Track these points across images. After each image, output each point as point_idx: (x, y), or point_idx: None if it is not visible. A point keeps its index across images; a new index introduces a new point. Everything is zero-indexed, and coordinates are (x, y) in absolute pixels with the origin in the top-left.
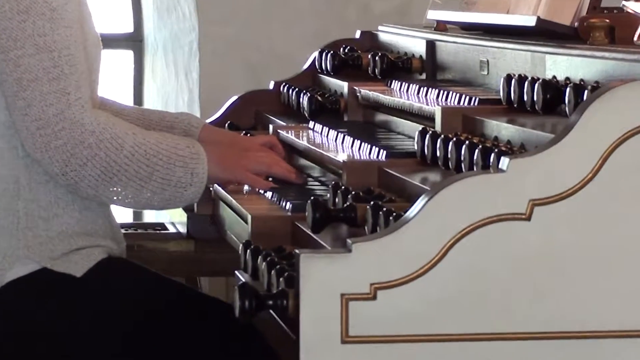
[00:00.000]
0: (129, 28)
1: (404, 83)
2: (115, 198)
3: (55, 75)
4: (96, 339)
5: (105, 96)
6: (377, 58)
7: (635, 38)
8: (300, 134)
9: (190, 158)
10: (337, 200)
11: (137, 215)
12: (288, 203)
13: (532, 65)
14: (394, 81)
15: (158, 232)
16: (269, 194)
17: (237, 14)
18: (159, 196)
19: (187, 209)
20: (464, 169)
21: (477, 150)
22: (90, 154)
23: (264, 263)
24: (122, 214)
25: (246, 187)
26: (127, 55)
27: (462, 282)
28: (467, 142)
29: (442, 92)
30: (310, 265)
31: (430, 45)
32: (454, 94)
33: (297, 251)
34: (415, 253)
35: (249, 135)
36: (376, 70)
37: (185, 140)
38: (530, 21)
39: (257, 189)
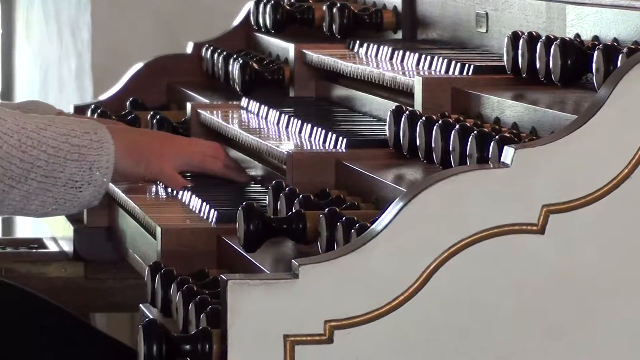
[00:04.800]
0: None
1: (371, 45)
2: None
3: None
4: None
5: None
6: (334, 10)
7: None
8: (230, 116)
9: (90, 147)
10: (279, 206)
11: (6, 227)
12: (212, 210)
13: (547, 20)
14: (358, 42)
15: (34, 251)
16: (186, 198)
17: None
18: (38, 199)
19: (75, 220)
20: (453, 163)
21: (471, 137)
22: None
23: (178, 293)
24: None
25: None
26: None
27: (449, 319)
28: (457, 125)
29: (423, 56)
30: (242, 297)
31: None
32: (441, 59)
33: (223, 277)
34: (385, 279)
35: (157, 117)
36: (334, 27)
37: (83, 124)
38: None
39: (173, 190)
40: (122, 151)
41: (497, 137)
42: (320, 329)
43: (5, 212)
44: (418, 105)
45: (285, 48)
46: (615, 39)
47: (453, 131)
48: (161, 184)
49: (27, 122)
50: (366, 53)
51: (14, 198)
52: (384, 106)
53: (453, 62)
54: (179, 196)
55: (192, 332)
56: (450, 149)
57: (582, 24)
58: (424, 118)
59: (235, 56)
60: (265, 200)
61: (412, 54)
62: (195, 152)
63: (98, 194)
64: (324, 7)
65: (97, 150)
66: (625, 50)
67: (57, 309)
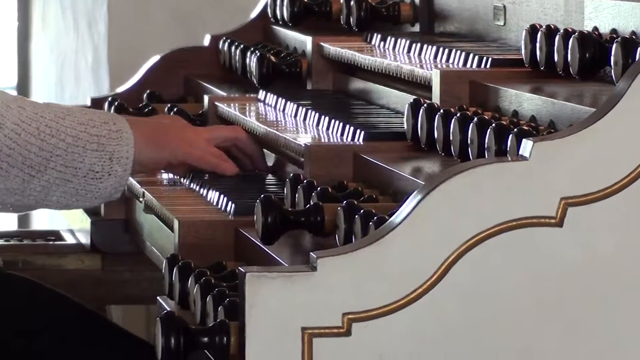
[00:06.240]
0: None
1: (389, 38)
2: None
3: None
4: None
5: None
6: (352, 3)
7: None
8: (247, 108)
9: (109, 138)
10: (297, 198)
11: (23, 220)
12: (230, 203)
13: (565, 13)
14: (375, 35)
15: (51, 243)
16: (203, 190)
17: None
18: (59, 190)
19: (92, 212)
20: (471, 156)
21: (489, 130)
22: None
23: (196, 286)
24: (2, 218)
25: (165, 176)
26: None
27: (467, 312)
28: (475, 118)
29: (441, 49)
30: (260, 289)
31: None
32: (458, 52)
33: (241, 269)
34: (403, 272)
35: (174, 110)
36: (351, 20)
37: (102, 115)
38: None
39: (191, 182)
40: (142, 140)
41: (515, 130)
42: (339, 321)
43: (27, 204)
44: (436, 98)
45: (303, 41)
46: (633, 32)
47: (471, 124)
48: (184, 178)
49: (46, 111)
50: (384, 46)
51: (34, 188)
52: (401, 99)
53: (471, 55)
54: (196, 188)
55: (210, 325)
56: (469, 142)
57: (600, 17)
58: (442, 111)
59: (252, 49)
60: (283, 192)
61: (429, 46)
62: (210, 153)
63: (119, 186)
64: (342, 0)
65: (117, 140)
66: None
67: (75, 305)
